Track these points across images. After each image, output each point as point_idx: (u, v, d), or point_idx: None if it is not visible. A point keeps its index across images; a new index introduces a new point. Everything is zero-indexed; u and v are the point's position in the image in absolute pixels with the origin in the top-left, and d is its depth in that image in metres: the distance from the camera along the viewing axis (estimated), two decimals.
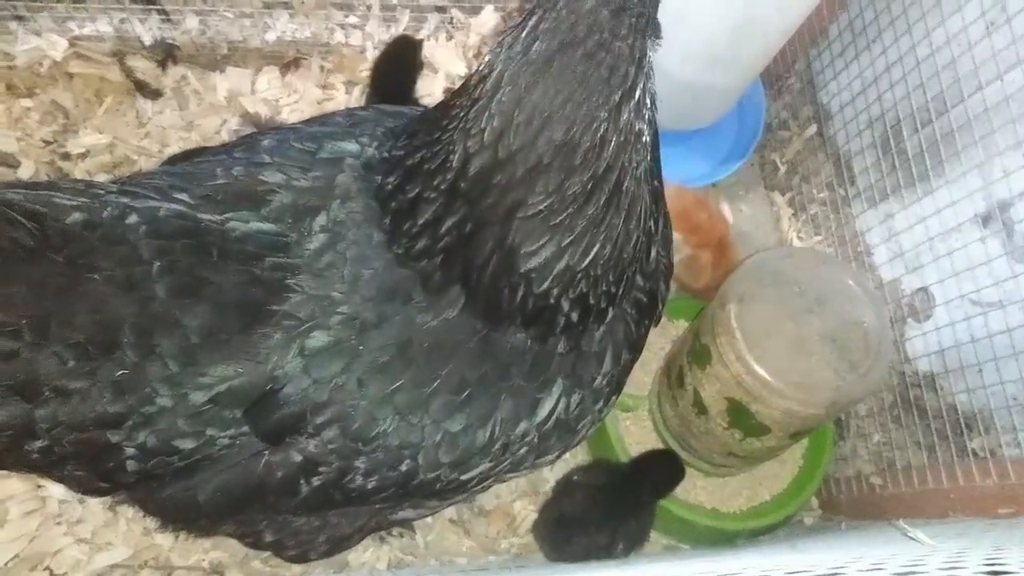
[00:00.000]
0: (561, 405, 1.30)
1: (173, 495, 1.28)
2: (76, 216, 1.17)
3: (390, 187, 1.24)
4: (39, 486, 1.89)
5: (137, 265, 1.18)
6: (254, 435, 1.22)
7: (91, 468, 1.23)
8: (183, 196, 1.25)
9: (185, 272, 1.19)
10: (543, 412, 1.29)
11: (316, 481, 1.27)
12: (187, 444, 1.21)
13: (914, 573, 0.76)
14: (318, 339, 1.20)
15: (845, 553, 1.23)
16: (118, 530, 1.89)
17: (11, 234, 1.12)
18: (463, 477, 1.32)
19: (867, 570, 0.81)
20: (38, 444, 1.18)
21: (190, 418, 1.20)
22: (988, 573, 0.74)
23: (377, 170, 1.28)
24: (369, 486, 1.28)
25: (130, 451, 1.21)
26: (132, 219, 1.20)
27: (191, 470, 1.24)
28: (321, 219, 1.26)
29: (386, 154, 1.29)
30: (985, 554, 0.90)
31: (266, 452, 1.23)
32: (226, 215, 1.23)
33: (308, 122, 1.49)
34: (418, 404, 1.23)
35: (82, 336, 1.15)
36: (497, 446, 1.28)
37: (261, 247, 1.23)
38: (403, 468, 1.27)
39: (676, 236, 2.03)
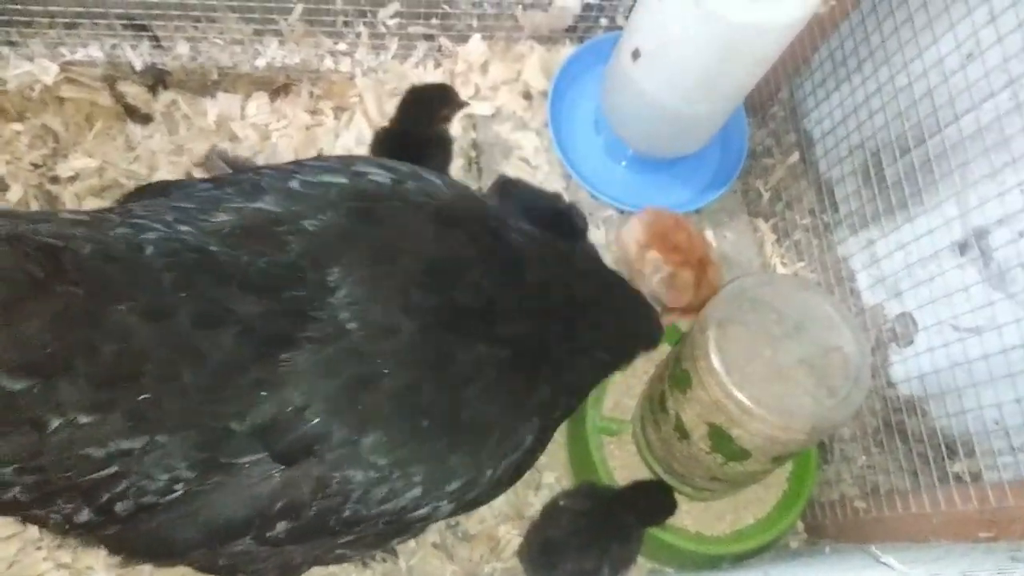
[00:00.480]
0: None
1: (168, 522, 1.27)
2: (91, 248, 1.19)
3: None
4: None
5: (161, 296, 1.20)
6: (269, 456, 1.25)
7: (87, 501, 1.21)
8: (188, 229, 1.29)
9: (209, 302, 1.23)
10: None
11: (322, 504, 1.29)
12: (194, 472, 1.22)
13: None
14: (337, 368, 1.26)
15: None
16: (99, 555, 1.88)
17: (27, 268, 1.12)
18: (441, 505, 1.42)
19: None
20: (30, 479, 1.17)
21: (205, 446, 1.21)
22: None
23: None
24: (364, 512, 1.33)
25: (135, 482, 1.21)
26: (150, 251, 1.23)
27: (193, 497, 1.25)
28: (343, 261, 1.33)
29: None
30: None
31: (276, 473, 1.26)
32: (239, 251, 1.28)
33: (298, 163, 1.54)
34: (418, 436, 1.34)
35: (105, 367, 1.15)
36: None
37: (279, 281, 1.28)
38: (409, 494, 1.35)
39: (655, 256, 2.06)
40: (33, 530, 1.87)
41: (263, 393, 1.22)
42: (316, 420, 1.25)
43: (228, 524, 1.27)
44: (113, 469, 1.18)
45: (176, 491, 1.23)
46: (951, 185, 1.88)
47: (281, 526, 1.30)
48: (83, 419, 1.14)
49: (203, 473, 1.23)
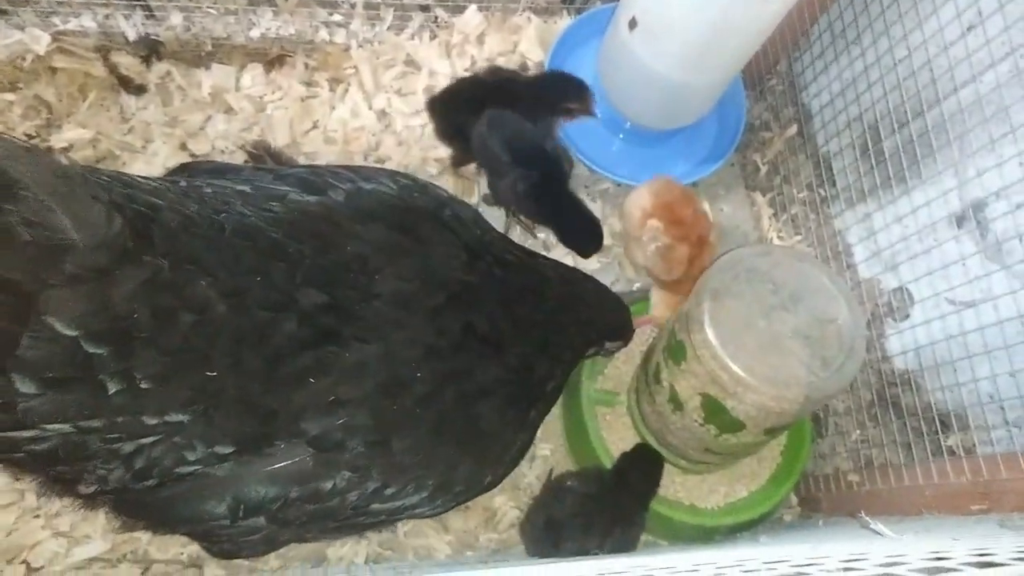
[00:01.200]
0: None
1: (191, 494, 1.31)
2: (177, 222, 1.23)
3: None
4: (18, 478, 1.89)
5: (238, 276, 1.26)
6: (305, 442, 1.31)
7: (126, 464, 1.24)
8: (258, 216, 1.35)
9: (278, 289, 1.29)
10: None
11: (343, 494, 1.37)
12: (230, 448, 1.28)
13: (861, 559, 0.77)
14: (377, 368, 1.37)
15: (803, 545, 1.25)
16: (96, 524, 1.90)
17: (127, 236, 1.14)
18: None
19: (817, 559, 0.81)
20: (78, 438, 1.18)
21: (250, 424, 1.27)
22: (932, 560, 0.75)
23: None
24: (385, 505, 1.46)
25: (178, 451, 1.24)
26: (229, 230, 1.28)
27: (223, 471, 1.30)
28: (388, 271, 1.43)
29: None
30: (936, 545, 0.91)
31: (309, 458, 1.32)
32: (304, 245, 1.35)
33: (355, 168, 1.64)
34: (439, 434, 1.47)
35: (181, 338, 1.19)
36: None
37: (335, 278, 1.37)
38: (418, 495, 1.48)
39: (656, 225, 2.05)
40: (31, 499, 1.89)
41: (311, 380, 1.29)
42: (353, 414, 1.33)
43: (254, 500, 1.32)
44: (159, 436, 1.22)
45: (212, 463, 1.26)
46: (949, 157, 1.87)
47: (302, 508, 1.36)
48: (145, 385, 1.17)
49: (242, 449, 1.28)
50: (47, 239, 1.05)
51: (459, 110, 2.16)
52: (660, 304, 2.16)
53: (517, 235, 2.22)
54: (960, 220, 1.88)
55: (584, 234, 2.10)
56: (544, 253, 2.10)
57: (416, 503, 1.50)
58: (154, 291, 1.16)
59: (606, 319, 1.92)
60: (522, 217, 2.20)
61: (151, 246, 1.17)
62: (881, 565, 0.71)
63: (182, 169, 1.73)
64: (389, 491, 1.43)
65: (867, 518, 1.47)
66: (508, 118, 2.12)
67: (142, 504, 1.33)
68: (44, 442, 1.16)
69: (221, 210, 1.32)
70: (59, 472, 1.25)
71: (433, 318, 1.47)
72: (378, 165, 2.17)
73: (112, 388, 1.14)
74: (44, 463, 1.22)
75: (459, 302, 1.52)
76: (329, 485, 1.36)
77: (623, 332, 1.99)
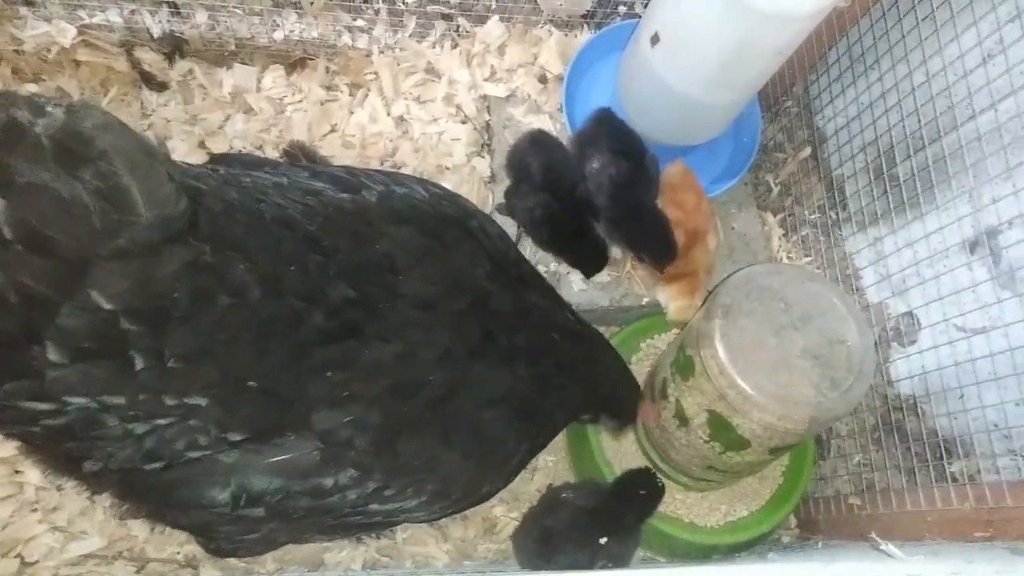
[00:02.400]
0: None
1: (196, 478, 1.31)
2: (221, 207, 1.25)
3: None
4: (17, 471, 1.90)
5: (276, 263, 1.27)
6: (315, 435, 1.32)
7: (138, 444, 1.24)
8: (294, 208, 1.37)
9: (312, 279, 1.31)
10: None
11: (344, 491, 1.38)
12: (242, 435, 1.28)
13: None
14: (393, 368, 1.38)
15: (815, 564, 1.24)
16: (94, 519, 1.90)
17: (186, 217, 1.15)
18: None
19: None
20: (98, 415, 1.19)
21: (267, 413, 1.28)
22: None
23: None
24: (383, 506, 1.47)
25: (191, 434, 1.25)
26: (269, 216, 1.31)
27: (230, 458, 1.30)
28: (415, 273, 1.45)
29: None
30: (952, 568, 0.90)
31: (316, 453, 1.32)
32: (338, 240, 1.38)
33: (389, 173, 1.68)
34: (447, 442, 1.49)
35: (215, 319, 1.20)
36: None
37: (364, 275, 1.39)
38: (417, 499, 1.49)
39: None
40: (30, 492, 1.89)
41: (328, 374, 1.31)
42: (364, 412, 1.34)
43: (256, 489, 1.32)
44: (175, 418, 1.22)
45: (222, 449, 1.27)
46: (963, 183, 1.88)
47: (304, 502, 1.36)
48: (173, 364, 1.17)
49: (254, 437, 1.28)
50: (113, 213, 1.05)
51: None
52: (671, 304, 2.16)
53: (527, 250, 2.23)
54: (973, 246, 1.89)
55: (588, 263, 2.18)
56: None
57: (414, 507, 1.51)
58: (195, 272, 1.17)
59: (610, 384, 1.95)
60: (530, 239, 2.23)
61: (196, 228, 1.18)
62: None
63: (219, 159, 1.75)
64: (388, 492, 1.44)
65: (877, 538, 1.47)
66: (553, 143, 2.16)
67: (145, 485, 1.33)
68: (62, 416, 1.17)
69: (260, 199, 1.34)
70: (68, 448, 1.25)
71: (453, 322, 1.48)
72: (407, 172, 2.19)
73: (139, 365, 1.15)
74: (56, 438, 1.22)
75: (480, 309, 1.54)
76: (331, 482, 1.36)
77: (624, 411, 2.00)
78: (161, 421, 1.22)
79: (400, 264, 1.44)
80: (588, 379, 1.82)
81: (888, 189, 2.11)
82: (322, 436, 1.32)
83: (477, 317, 1.53)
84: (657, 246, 2.07)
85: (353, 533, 1.83)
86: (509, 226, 2.21)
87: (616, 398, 1.96)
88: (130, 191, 1.06)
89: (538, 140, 2.17)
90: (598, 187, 2.07)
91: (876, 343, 2.14)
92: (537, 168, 2.11)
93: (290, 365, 1.27)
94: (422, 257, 1.48)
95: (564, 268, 2.23)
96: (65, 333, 1.08)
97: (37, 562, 1.83)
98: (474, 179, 2.37)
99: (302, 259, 1.31)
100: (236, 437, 1.27)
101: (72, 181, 1.02)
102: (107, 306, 1.09)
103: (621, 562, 1.90)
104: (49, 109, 1.04)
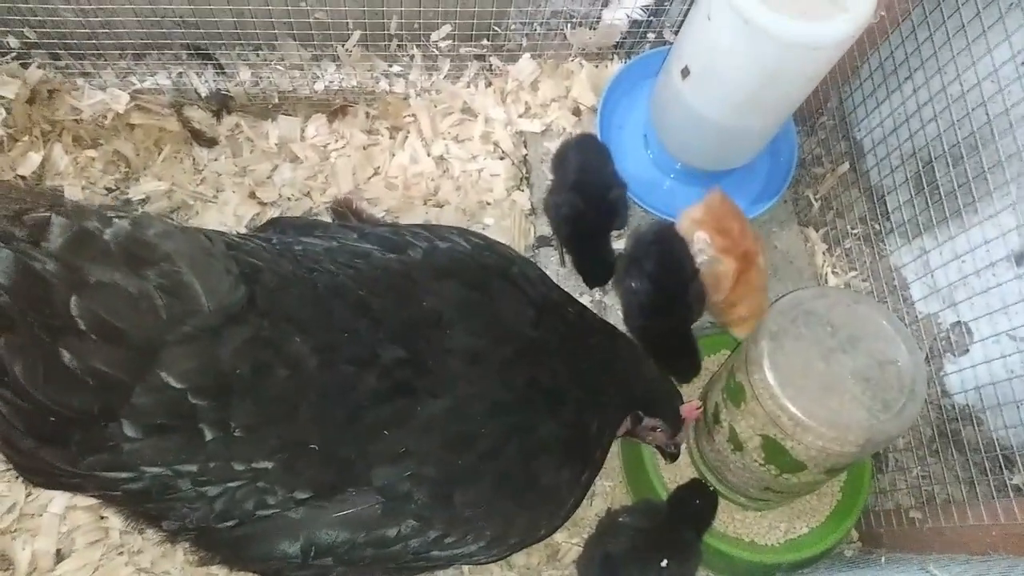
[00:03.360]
0: None
1: (268, 533, 1.38)
2: (276, 282, 1.34)
3: None
4: (102, 517, 1.99)
5: (330, 332, 1.35)
6: (375, 490, 1.38)
7: (211, 506, 1.32)
8: (345, 274, 1.44)
9: (363, 344, 1.38)
10: None
11: (406, 541, 1.44)
12: (308, 494, 1.35)
13: None
14: (444, 423, 1.43)
15: None
16: (175, 560, 1.98)
17: (239, 298, 1.26)
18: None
19: None
20: (173, 481, 1.28)
21: (328, 472, 1.35)
22: None
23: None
24: (444, 553, 1.51)
25: (260, 495, 1.32)
26: (321, 288, 1.38)
27: (299, 514, 1.38)
28: (460, 331, 1.50)
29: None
30: None
31: (378, 506, 1.39)
32: (386, 300, 1.44)
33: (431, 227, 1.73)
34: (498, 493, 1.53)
35: (276, 390, 1.28)
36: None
37: (412, 332, 1.44)
38: (475, 545, 1.53)
39: (703, 236, 2.11)
40: (115, 537, 1.98)
41: (385, 433, 1.37)
42: (420, 467, 1.40)
43: (324, 542, 1.39)
44: (245, 481, 1.30)
45: (289, 507, 1.34)
46: (1006, 195, 1.87)
47: (369, 552, 1.42)
48: (239, 434, 1.26)
49: (318, 495, 1.35)
50: (178, 306, 1.17)
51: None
52: (738, 328, 2.18)
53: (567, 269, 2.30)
54: (1020, 259, 1.88)
55: (593, 274, 2.24)
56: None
57: (474, 552, 1.55)
58: (255, 348, 1.26)
59: (647, 385, 1.92)
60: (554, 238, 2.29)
61: (254, 305, 1.27)
62: None
63: (272, 224, 1.83)
64: (449, 540, 1.49)
65: (935, 570, 1.47)
66: (597, 148, 2.24)
67: (220, 540, 1.41)
68: (139, 482, 1.26)
69: (313, 268, 1.41)
70: (147, 509, 1.35)
71: (501, 372, 1.53)
72: (450, 224, 2.25)
73: (209, 436, 1.24)
74: (136, 501, 1.32)
75: (525, 357, 1.58)
76: (394, 532, 1.42)
77: (663, 408, 1.95)
78: (232, 484, 1.30)
79: (447, 318, 1.49)
80: (624, 377, 1.83)
81: (930, 202, 2.11)
82: (382, 491, 1.38)
83: (523, 365, 1.57)
84: (679, 369, 2.14)
85: (418, 574, 1.89)
86: (554, 258, 2.27)
87: (654, 396, 1.94)
88: (192, 285, 1.17)
89: (582, 142, 2.26)
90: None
91: (928, 355, 2.13)
92: (573, 168, 2.19)
93: (348, 427, 1.34)
94: (467, 310, 1.53)
95: (610, 299, 2.27)
96: (139, 411, 1.19)
97: None
98: (515, 213, 2.42)
99: (353, 325, 1.38)
100: (303, 495, 1.34)
101: (139, 280, 1.14)
102: (176, 385, 1.19)
103: None
104: (115, 219, 1.16)
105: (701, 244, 2.12)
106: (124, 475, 1.25)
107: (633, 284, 2.11)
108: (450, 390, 1.44)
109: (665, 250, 2.10)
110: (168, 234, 1.19)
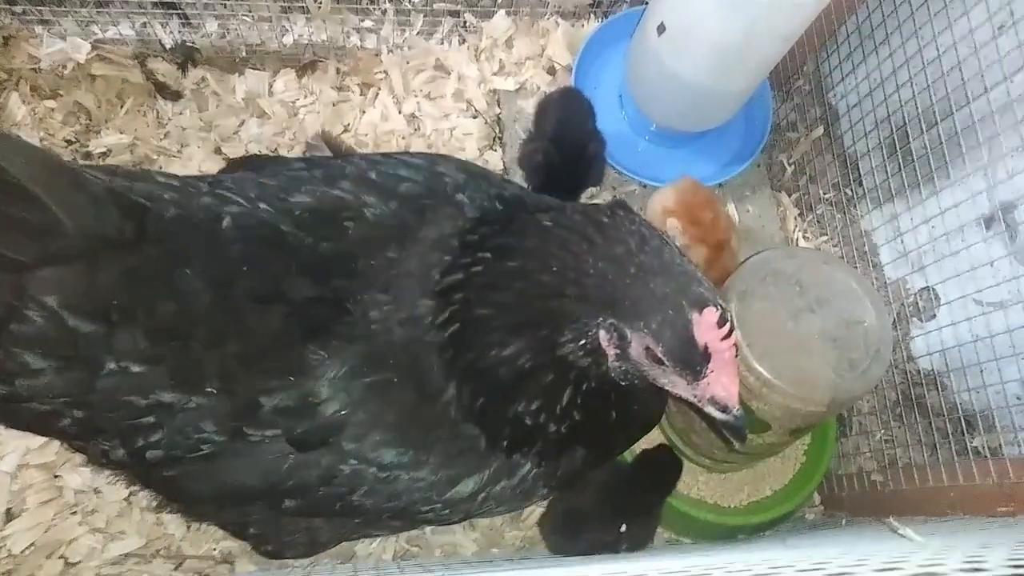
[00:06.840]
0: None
1: (188, 474, 1.33)
2: (173, 211, 1.28)
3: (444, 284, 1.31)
4: (56, 476, 1.96)
5: (226, 266, 1.27)
6: (284, 439, 1.29)
7: (123, 443, 1.29)
8: (266, 207, 1.35)
9: (267, 280, 1.28)
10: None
11: (327, 491, 1.35)
12: (222, 436, 1.28)
13: (896, 569, 0.79)
14: (360, 368, 1.29)
15: (832, 549, 1.26)
16: (131, 520, 1.96)
17: (120, 224, 1.22)
18: (447, 511, 1.45)
19: (850, 566, 0.83)
20: (78, 413, 1.26)
21: (233, 414, 1.27)
22: (968, 571, 0.76)
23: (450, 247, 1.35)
24: (368, 503, 1.38)
25: (168, 435, 1.27)
26: (226, 222, 1.30)
27: (213, 457, 1.31)
28: (389, 253, 1.34)
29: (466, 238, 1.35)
30: (968, 552, 0.91)
31: (291, 456, 1.31)
32: (306, 233, 1.33)
33: (387, 155, 1.54)
34: (425, 448, 1.34)
35: (163, 323, 1.24)
36: (480, 497, 1.42)
37: (333, 267, 1.32)
38: (412, 496, 1.38)
39: (675, 224, 2.07)
40: (69, 496, 1.95)
41: (291, 378, 1.27)
42: (334, 413, 1.29)
43: (239, 489, 1.34)
44: (151, 419, 1.26)
45: (202, 450, 1.29)
46: (978, 159, 1.87)
47: (289, 502, 1.37)
48: (134, 368, 1.23)
49: (229, 439, 1.29)
50: (31, 222, 1.15)
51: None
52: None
53: None
54: (989, 222, 1.89)
55: None
56: None
57: (418, 505, 1.41)
58: (137, 278, 1.22)
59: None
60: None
61: (144, 237, 1.23)
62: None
63: (241, 162, 1.78)
64: (381, 490, 1.37)
65: (895, 522, 1.48)
66: (580, 102, 2.20)
67: (148, 479, 1.41)
68: (57, 418, 1.26)
69: (233, 203, 1.33)
70: (74, 444, 1.36)
71: (428, 313, 1.33)
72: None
73: (105, 367, 1.22)
74: (61, 436, 1.33)
75: (449, 297, 1.33)
76: (311, 482, 1.34)
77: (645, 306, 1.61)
78: (136, 422, 1.27)
79: (375, 248, 1.34)
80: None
81: (903, 166, 2.10)
82: (296, 441, 1.31)
83: (445, 304, 1.32)
84: None
85: (402, 529, 1.83)
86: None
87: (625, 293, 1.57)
88: (40, 204, 1.15)
89: (565, 95, 2.22)
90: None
91: (895, 320, 2.14)
92: (552, 119, 2.15)
93: (250, 366, 1.27)
94: (398, 236, 1.36)
95: None
96: (18, 337, 1.18)
97: (80, 562, 1.89)
98: None
99: (260, 259, 1.29)
100: (214, 438, 1.28)
101: None
102: (52, 305, 1.18)
103: (645, 538, 1.94)
104: None
105: (673, 233, 2.10)
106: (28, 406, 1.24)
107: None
108: (364, 334, 1.29)
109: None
110: (12, 151, 1.16)
